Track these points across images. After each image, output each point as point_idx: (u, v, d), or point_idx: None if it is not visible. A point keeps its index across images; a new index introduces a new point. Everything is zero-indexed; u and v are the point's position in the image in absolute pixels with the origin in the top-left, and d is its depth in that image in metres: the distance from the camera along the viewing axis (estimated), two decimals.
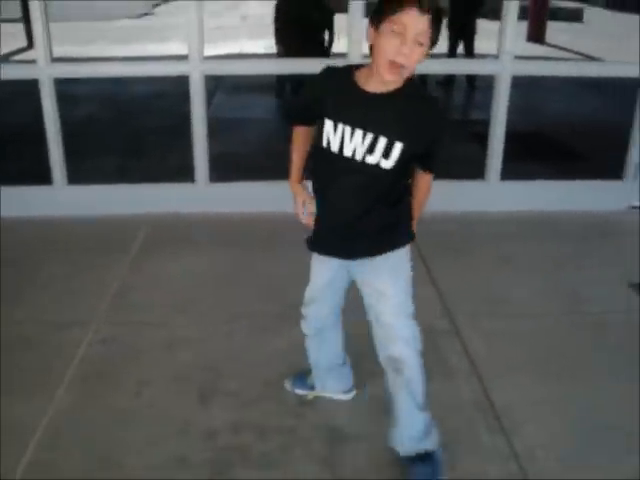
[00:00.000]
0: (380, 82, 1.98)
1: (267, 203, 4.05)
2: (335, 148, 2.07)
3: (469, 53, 8.86)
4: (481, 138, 4.65)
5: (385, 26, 1.86)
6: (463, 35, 8.77)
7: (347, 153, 2.06)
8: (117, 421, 2.58)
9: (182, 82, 4.26)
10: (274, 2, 7.37)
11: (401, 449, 2.31)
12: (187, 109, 4.30)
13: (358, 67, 2.07)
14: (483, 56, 8.20)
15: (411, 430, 2.27)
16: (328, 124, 2.06)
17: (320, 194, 2.22)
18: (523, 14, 7.76)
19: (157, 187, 4.57)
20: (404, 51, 1.86)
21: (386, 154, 2.03)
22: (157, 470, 2.35)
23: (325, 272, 2.35)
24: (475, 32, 8.91)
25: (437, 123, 2.10)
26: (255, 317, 3.26)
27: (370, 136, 2.02)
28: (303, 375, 2.71)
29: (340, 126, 2.04)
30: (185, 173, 4.48)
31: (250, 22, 15.51)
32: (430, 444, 2.29)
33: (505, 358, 2.97)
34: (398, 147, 2.02)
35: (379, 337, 2.25)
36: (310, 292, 2.43)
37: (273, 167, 3.91)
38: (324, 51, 7.00)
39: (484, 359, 2.95)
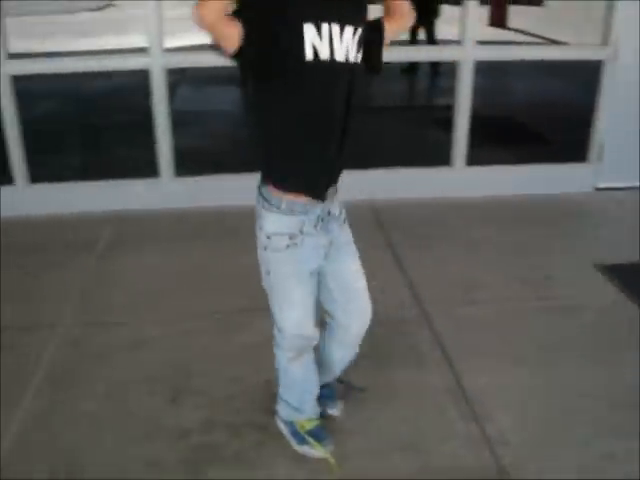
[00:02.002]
0: None
1: (233, 196, 4.00)
2: (326, 56, 1.77)
3: (431, 39, 8.86)
4: (446, 124, 4.65)
5: None
6: (424, 21, 8.76)
7: (340, 57, 1.80)
8: (87, 424, 2.53)
9: (144, 75, 4.18)
10: None
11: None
12: (149, 103, 4.23)
13: None
14: (446, 42, 8.22)
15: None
16: (309, 29, 1.74)
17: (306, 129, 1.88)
18: None
19: (121, 183, 4.49)
20: None
21: (359, 46, 1.85)
22: (130, 472, 2.31)
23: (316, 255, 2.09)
24: (436, 17, 8.91)
25: None
26: (223, 313, 3.23)
27: (351, 29, 1.81)
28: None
29: (325, 27, 1.76)
30: (149, 168, 4.41)
31: None
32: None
33: (476, 344, 2.98)
34: (359, 34, 1.85)
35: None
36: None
37: (237, 160, 3.88)
38: None
39: (455, 346, 2.95)
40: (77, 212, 4.24)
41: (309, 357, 2.28)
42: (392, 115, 6.93)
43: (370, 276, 3.54)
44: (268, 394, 2.65)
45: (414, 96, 8.74)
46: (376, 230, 4.11)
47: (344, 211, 2.17)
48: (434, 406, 2.60)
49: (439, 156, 4.65)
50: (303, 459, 2.35)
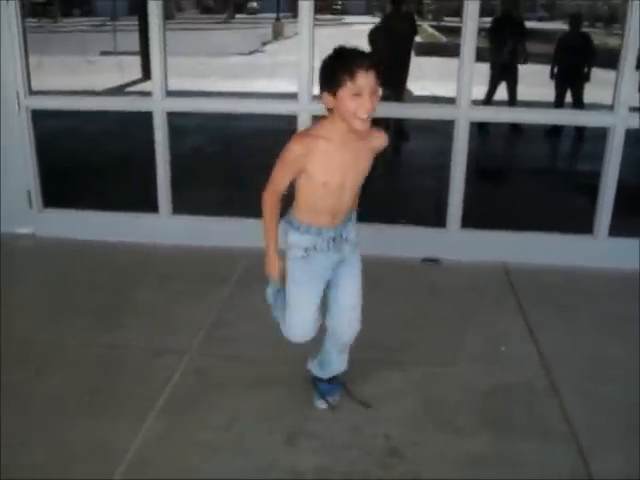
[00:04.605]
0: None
1: None
2: None
3: (578, 103, 8.63)
4: (589, 191, 4.49)
5: (343, 91, 2.25)
6: (572, 84, 8.57)
7: None
8: (205, 453, 2.59)
9: (290, 120, 4.32)
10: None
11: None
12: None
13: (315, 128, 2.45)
14: (592, 106, 7.97)
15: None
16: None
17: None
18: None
19: (258, 222, 4.58)
20: (367, 106, 2.26)
21: None
22: None
23: None
24: (586, 81, 8.69)
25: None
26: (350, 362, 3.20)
27: None
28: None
29: None
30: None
31: None
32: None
33: (606, 424, 2.81)
34: None
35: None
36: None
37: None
38: None
39: (583, 423, 2.80)
40: (215, 245, 4.38)
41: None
42: (532, 178, 6.79)
43: (500, 340, 3.48)
44: (385, 448, 2.62)
45: (556, 160, 8.52)
46: (508, 294, 4.00)
47: (358, 236, 2.66)
48: None
49: (580, 224, 4.49)
50: None
